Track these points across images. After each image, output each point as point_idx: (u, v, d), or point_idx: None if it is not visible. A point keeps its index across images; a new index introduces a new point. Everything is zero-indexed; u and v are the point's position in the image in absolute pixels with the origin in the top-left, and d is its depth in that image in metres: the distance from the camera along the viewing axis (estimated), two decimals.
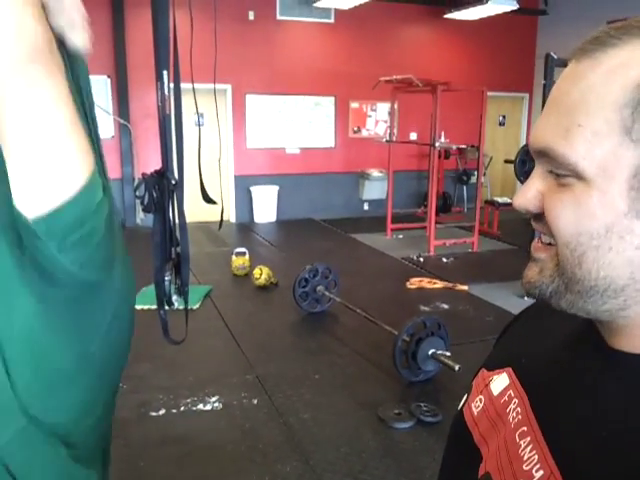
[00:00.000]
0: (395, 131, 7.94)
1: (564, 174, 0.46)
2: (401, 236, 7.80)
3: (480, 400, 0.62)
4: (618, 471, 0.43)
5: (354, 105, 9.12)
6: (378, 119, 9.32)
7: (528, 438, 0.51)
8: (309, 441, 2.86)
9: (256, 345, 4.07)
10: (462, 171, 9.66)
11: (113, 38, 7.50)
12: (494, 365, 0.63)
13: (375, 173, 9.08)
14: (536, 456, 0.49)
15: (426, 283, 5.51)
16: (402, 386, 3.44)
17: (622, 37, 0.44)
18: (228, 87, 8.20)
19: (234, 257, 5.82)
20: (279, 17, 8.38)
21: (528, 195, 0.49)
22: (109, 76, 7.58)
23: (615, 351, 0.49)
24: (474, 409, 0.62)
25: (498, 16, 8.34)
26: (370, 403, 3.20)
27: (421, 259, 6.55)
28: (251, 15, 8.20)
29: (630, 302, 0.46)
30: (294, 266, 5.21)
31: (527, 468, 0.49)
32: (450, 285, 5.45)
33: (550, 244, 0.49)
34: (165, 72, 2.70)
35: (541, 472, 0.48)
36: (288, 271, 5.24)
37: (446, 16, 8.65)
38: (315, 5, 8.02)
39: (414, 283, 5.50)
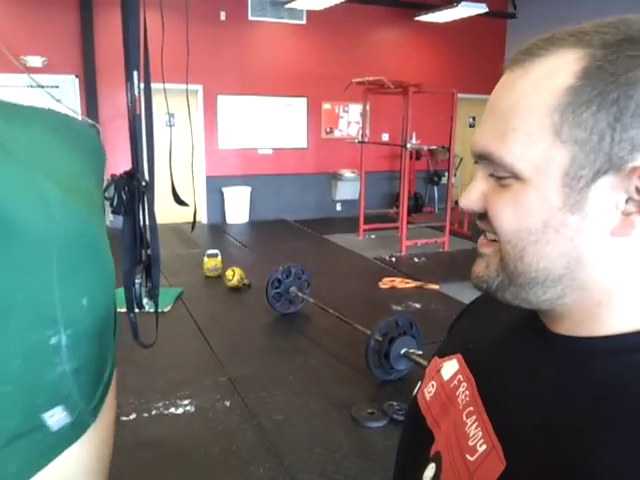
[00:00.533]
0: (367, 132, 8.00)
1: (503, 176, 0.49)
2: (373, 236, 7.85)
3: (432, 385, 0.66)
4: (553, 444, 0.46)
5: (326, 106, 9.14)
6: (350, 120, 9.36)
7: (474, 417, 0.55)
8: (283, 442, 2.86)
9: (229, 347, 4.05)
10: (433, 172, 9.76)
11: (81, 37, 7.37)
12: (445, 352, 0.67)
13: (347, 174, 9.11)
14: (480, 432, 0.53)
15: (398, 283, 5.55)
16: (375, 385, 3.46)
17: (548, 47, 0.48)
18: (199, 87, 8.14)
19: (206, 259, 5.78)
20: (251, 17, 8.35)
21: (472, 197, 0.53)
22: (77, 75, 7.45)
23: (554, 334, 0.53)
24: (427, 394, 0.66)
25: (468, 19, 8.47)
26: (343, 403, 3.22)
27: (393, 259, 6.60)
28: (222, 15, 8.15)
29: (567, 290, 0.50)
30: (267, 267, 5.20)
31: (472, 444, 0.53)
32: (422, 284, 5.51)
33: (494, 240, 0.53)
34: (135, 72, 2.67)
35: (484, 447, 0.51)
36: (261, 272, 5.22)
37: (417, 18, 8.74)
38: (287, 6, 8.02)
39: (386, 283, 5.54)
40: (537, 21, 8.94)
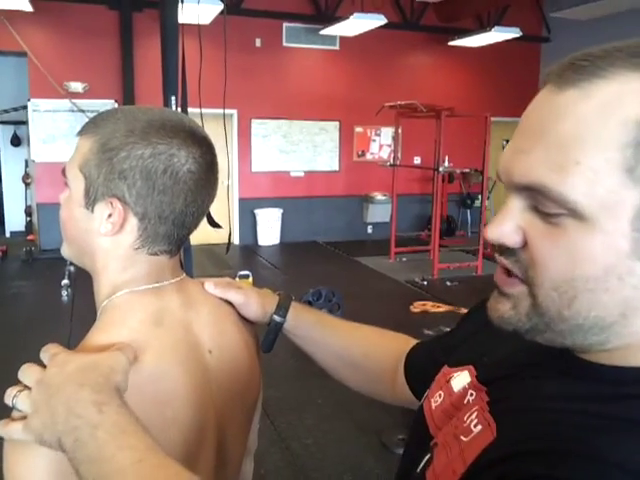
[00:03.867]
0: (399, 155, 8.00)
1: (556, 212, 0.44)
2: (405, 259, 7.80)
3: (439, 395, 0.64)
4: (541, 440, 0.45)
5: (358, 130, 9.20)
6: (382, 143, 9.39)
7: (476, 412, 0.54)
8: (312, 467, 2.83)
9: None
10: (466, 195, 9.69)
11: (121, 64, 7.61)
12: (456, 362, 0.65)
13: (379, 196, 9.12)
14: (477, 418, 0.53)
15: (430, 307, 5.49)
16: (405, 411, 3.40)
17: (608, 69, 0.43)
18: (234, 112, 8.30)
19: (238, 280, 5.81)
20: (285, 44, 8.52)
21: (506, 228, 0.47)
22: (116, 100, 7.69)
23: (577, 358, 0.49)
24: (433, 404, 0.64)
25: (502, 43, 8.46)
26: (373, 428, 3.17)
27: (425, 282, 6.54)
28: (258, 42, 8.33)
29: (612, 338, 0.46)
30: (298, 289, 5.20)
31: (466, 425, 0.54)
32: (454, 309, 5.43)
33: (521, 279, 0.48)
34: (173, 97, 2.76)
35: (479, 427, 0.51)
36: (292, 294, 5.21)
37: (450, 43, 8.77)
38: (321, 33, 8.15)
39: (418, 307, 5.49)
40: (572, 45, 8.80)
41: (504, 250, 0.49)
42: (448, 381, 0.64)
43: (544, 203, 0.45)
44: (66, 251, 0.79)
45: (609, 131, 0.42)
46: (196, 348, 0.76)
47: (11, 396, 0.59)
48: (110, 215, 0.70)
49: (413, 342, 0.92)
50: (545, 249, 0.45)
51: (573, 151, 0.43)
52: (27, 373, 0.60)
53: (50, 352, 0.62)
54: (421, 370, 0.78)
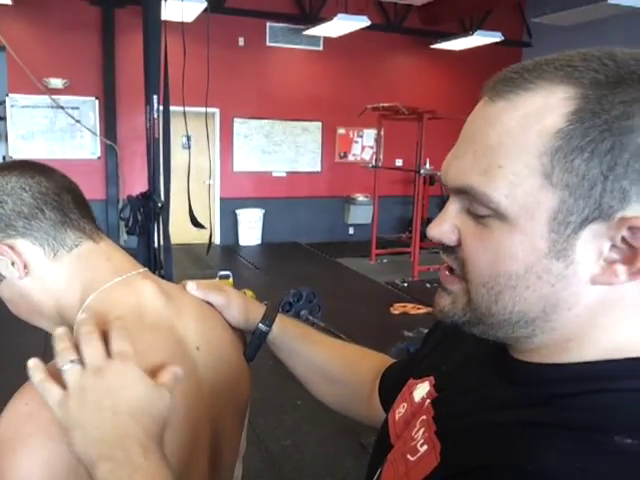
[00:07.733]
0: (381, 157, 8.03)
1: (484, 214, 0.48)
2: (386, 261, 7.83)
3: (403, 407, 0.67)
4: (486, 446, 0.48)
5: (341, 131, 9.21)
6: (364, 145, 9.42)
7: (424, 423, 0.58)
8: (291, 468, 2.82)
9: None
10: (446, 197, 9.63)
11: (102, 60, 7.52)
12: (420, 374, 0.68)
13: (360, 198, 9.14)
14: (424, 436, 0.56)
15: (410, 308, 5.52)
16: None
17: (535, 81, 0.47)
18: (216, 111, 8.25)
19: (218, 280, 5.79)
20: (269, 44, 8.49)
21: (444, 228, 0.52)
22: (97, 97, 7.60)
23: (514, 359, 0.53)
24: (397, 415, 0.67)
25: (483, 47, 8.53)
26: (352, 430, 3.18)
27: (405, 284, 6.57)
28: (241, 41, 8.29)
29: (537, 332, 0.49)
30: (278, 290, 5.19)
31: (413, 444, 0.56)
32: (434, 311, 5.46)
33: (459, 277, 0.52)
34: (155, 96, 2.73)
35: (425, 447, 0.54)
36: (272, 295, 5.20)
37: (432, 46, 8.82)
38: (304, 33, 8.15)
39: (398, 308, 5.51)
40: (552, 50, 8.84)
41: (445, 248, 0.53)
42: (411, 392, 0.67)
43: (475, 205, 0.49)
44: (47, 325, 0.76)
45: (529, 140, 0.45)
46: (182, 344, 0.73)
47: (67, 359, 0.58)
48: (13, 263, 0.69)
49: (392, 362, 0.93)
50: (474, 247, 0.49)
51: (497, 156, 0.46)
52: (89, 348, 0.59)
53: (92, 339, 0.60)
54: (392, 389, 0.80)
